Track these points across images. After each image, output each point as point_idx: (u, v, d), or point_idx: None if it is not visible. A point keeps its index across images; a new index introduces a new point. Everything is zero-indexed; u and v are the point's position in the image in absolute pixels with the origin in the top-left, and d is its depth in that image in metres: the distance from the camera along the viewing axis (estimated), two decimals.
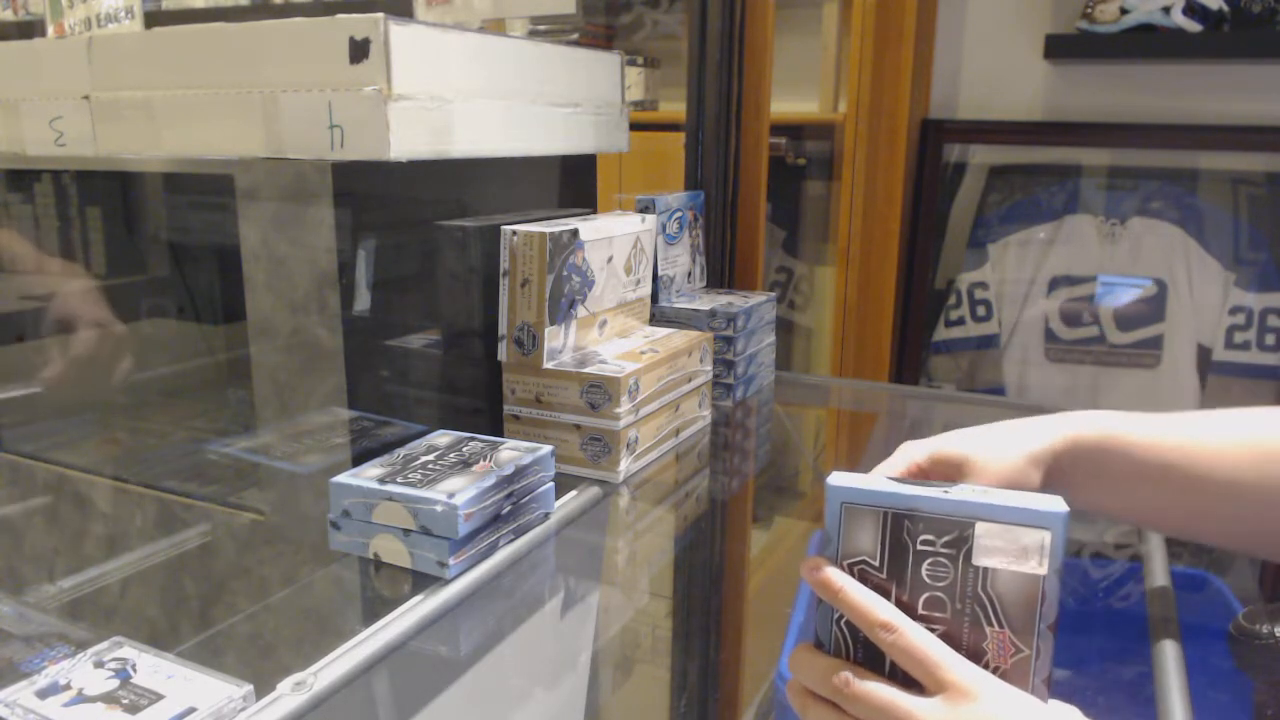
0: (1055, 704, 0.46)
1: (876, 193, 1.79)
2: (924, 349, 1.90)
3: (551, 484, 0.79)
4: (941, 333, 1.87)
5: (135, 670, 0.54)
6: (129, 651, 0.56)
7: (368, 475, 0.71)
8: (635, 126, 1.11)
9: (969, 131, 1.88)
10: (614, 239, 0.95)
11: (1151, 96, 1.76)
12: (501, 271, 0.86)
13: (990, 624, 0.46)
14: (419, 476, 0.71)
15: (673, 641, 0.93)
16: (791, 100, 2.06)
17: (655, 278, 1.10)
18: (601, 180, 1.12)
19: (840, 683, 0.47)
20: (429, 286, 0.89)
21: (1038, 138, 1.83)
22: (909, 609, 0.47)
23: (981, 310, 1.83)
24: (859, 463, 0.59)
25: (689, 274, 1.20)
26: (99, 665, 0.54)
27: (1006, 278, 1.82)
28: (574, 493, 0.84)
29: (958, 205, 1.90)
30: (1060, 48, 1.73)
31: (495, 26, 0.99)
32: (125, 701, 0.51)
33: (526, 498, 0.75)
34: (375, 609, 0.64)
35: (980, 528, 0.46)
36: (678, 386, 0.96)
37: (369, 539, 0.70)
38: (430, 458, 0.75)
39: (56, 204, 1.00)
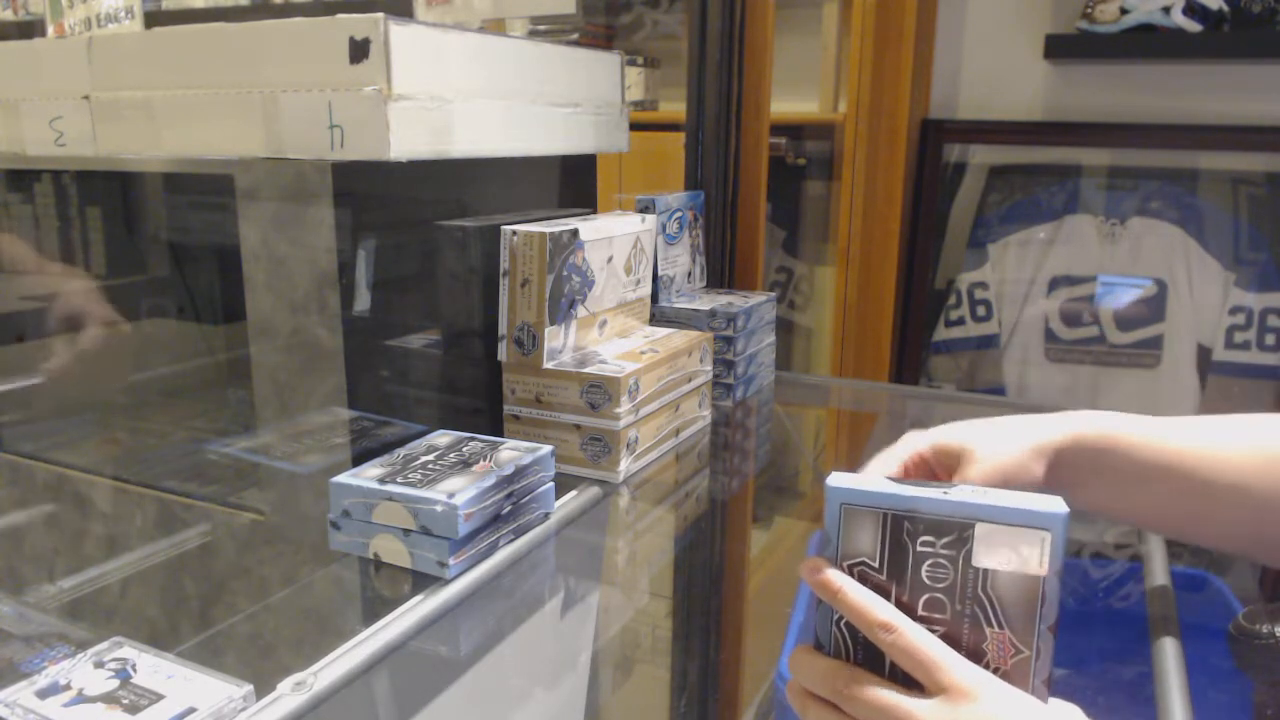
0: (1056, 703, 0.46)
1: (876, 193, 1.79)
2: (924, 349, 1.90)
3: (551, 484, 0.79)
4: (941, 333, 1.87)
5: (135, 670, 0.54)
6: (129, 651, 0.56)
7: (368, 475, 0.71)
8: (635, 126, 1.11)
9: (969, 131, 1.88)
10: (614, 239, 0.95)
11: (1151, 96, 1.76)
12: (501, 271, 0.86)
13: (990, 625, 0.46)
14: (419, 476, 0.71)
15: (673, 641, 0.93)
16: (791, 100, 2.06)
17: (655, 278, 1.10)
18: (601, 180, 1.12)
19: (840, 684, 0.47)
20: (429, 286, 0.89)
21: (1038, 138, 1.83)
22: (909, 610, 0.47)
23: (981, 310, 1.83)
24: (859, 463, 0.59)
25: (689, 274, 1.20)
26: (99, 665, 0.54)
27: (1006, 278, 1.82)
28: (574, 493, 0.84)
29: (958, 205, 1.90)
30: (1060, 48, 1.73)
31: (495, 26, 0.99)
32: (125, 701, 0.51)
33: (526, 498, 0.75)
34: (375, 609, 0.64)
35: (980, 529, 0.46)
36: (678, 386, 0.96)
37: (369, 539, 0.70)
38: (430, 458, 0.75)
39: (56, 204, 1.00)
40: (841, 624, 0.48)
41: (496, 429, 0.90)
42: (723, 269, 1.32)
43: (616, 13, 2.21)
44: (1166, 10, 1.60)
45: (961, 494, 0.46)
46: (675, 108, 1.63)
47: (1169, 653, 0.64)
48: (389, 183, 0.81)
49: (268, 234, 0.79)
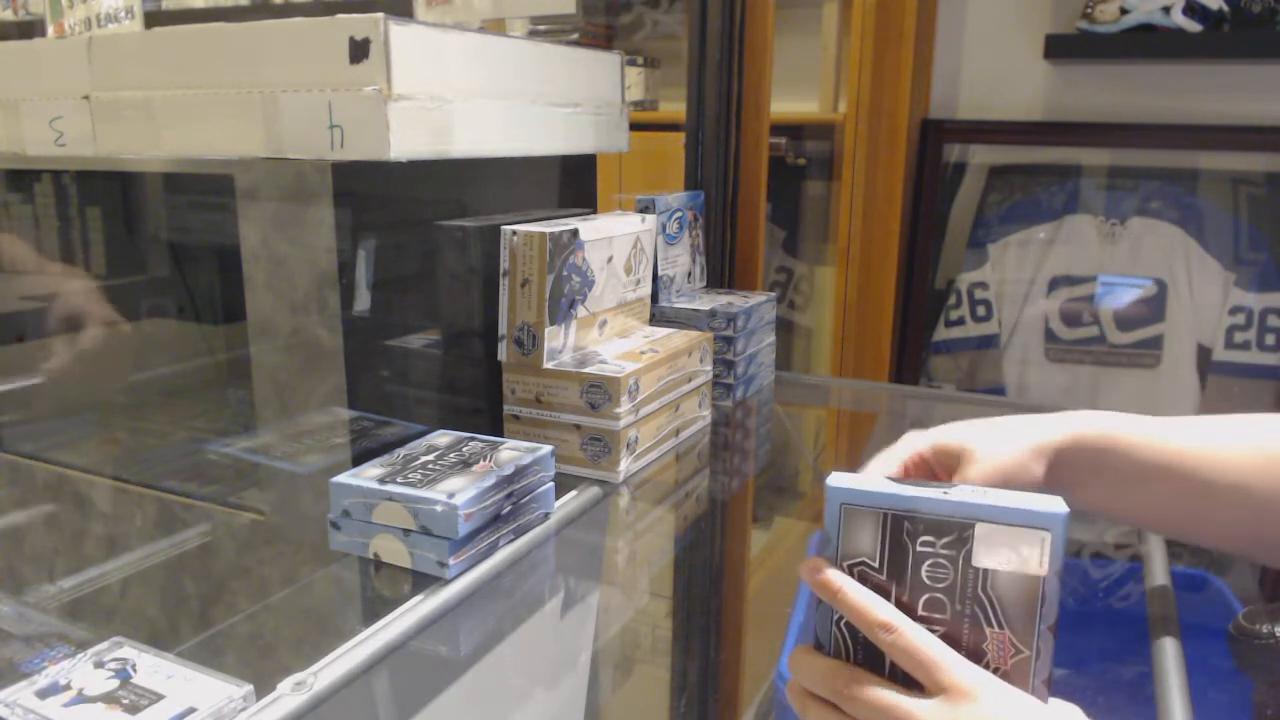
0: (1056, 702, 0.46)
1: (876, 193, 1.79)
2: (924, 349, 1.90)
3: (551, 484, 0.79)
4: (941, 333, 1.87)
5: (135, 670, 0.54)
6: (129, 651, 0.56)
7: (368, 475, 0.71)
8: (635, 126, 1.11)
9: (969, 131, 1.88)
10: (614, 239, 0.95)
11: (1151, 96, 1.76)
12: (501, 271, 0.86)
13: (990, 625, 0.46)
14: (419, 476, 0.71)
15: (673, 641, 0.93)
16: (791, 100, 2.06)
17: (655, 278, 1.10)
18: (601, 180, 1.12)
19: (840, 684, 0.47)
20: (429, 286, 0.89)
21: (1038, 138, 1.83)
22: (909, 610, 0.47)
23: (981, 310, 1.83)
24: (859, 463, 0.59)
25: (689, 274, 1.20)
26: (99, 665, 0.54)
27: (1006, 278, 1.82)
28: (574, 493, 0.84)
29: (958, 205, 1.90)
30: (1060, 48, 1.73)
31: (495, 26, 0.99)
32: (125, 701, 0.51)
33: (526, 498, 0.75)
34: (375, 609, 0.64)
35: (980, 529, 0.46)
36: (678, 386, 0.96)
37: (369, 539, 0.70)
38: (430, 458, 0.75)
39: (56, 204, 1.00)
40: (841, 624, 0.48)
41: (496, 429, 0.90)
42: (723, 269, 1.32)
43: (616, 13, 2.21)
44: (1166, 10, 1.60)
45: (961, 494, 0.46)
46: (675, 108, 1.63)
47: (1169, 653, 0.64)
48: (389, 183, 0.81)
49: (268, 234, 0.79)
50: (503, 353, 0.88)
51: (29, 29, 1.07)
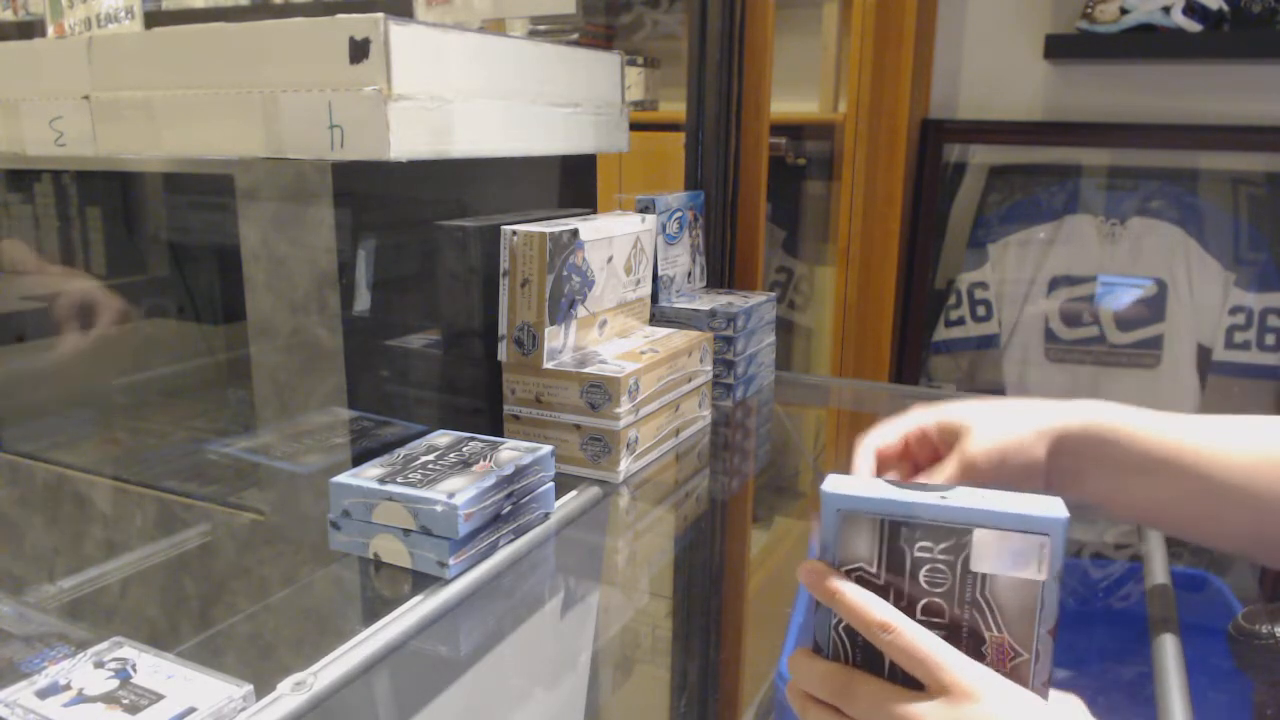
0: (1057, 695, 0.46)
1: (876, 193, 1.79)
2: (924, 349, 1.90)
3: (551, 484, 0.79)
4: (941, 333, 1.87)
5: (135, 670, 0.54)
6: (129, 651, 0.56)
7: (368, 475, 0.71)
8: (635, 126, 1.11)
9: (969, 131, 1.88)
10: (614, 239, 0.95)
11: (1151, 96, 1.76)
12: (501, 271, 0.86)
13: (989, 629, 0.46)
14: (419, 476, 0.71)
15: (673, 641, 0.93)
16: (791, 100, 2.06)
17: (655, 278, 1.10)
18: (601, 180, 1.12)
19: (839, 685, 0.47)
20: (429, 286, 0.89)
21: (1038, 138, 1.83)
22: (907, 614, 0.47)
23: (981, 310, 1.83)
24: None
25: (689, 274, 1.20)
26: (99, 665, 0.54)
27: (1006, 278, 1.82)
28: (574, 493, 0.84)
29: (958, 205, 1.90)
30: (1060, 48, 1.73)
31: (495, 26, 0.99)
32: (125, 701, 0.51)
33: (526, 498, 0.75)
34: (375, 609, 0.64)
35: (978, 534, 0.45)
36: (678, 386, 0.96)
37: (369, 539, 0.70)
38: (430, 458, 0.75)
39: (56, 204, 1.00)
40: (840, 628, 0.48)
41: (496, 429, 0.90)
42: (723, 269, 1.32)
43: (616, 13, 2.21)
44: (1166, 10, 1.60)
45: (959, 498, 0.46)
46: (675, 108, 1.63)
47: (1169, 653, 0.64)
48: (389, 183, 0.81)
49: (268, 234, 0.79)
50: (503, 353, 0.88)
51: (29, 29, 1.07)
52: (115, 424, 1.01)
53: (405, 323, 0.87)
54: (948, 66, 1.89)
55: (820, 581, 0.48)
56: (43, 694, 0.52)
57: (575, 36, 1.98)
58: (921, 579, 0.46)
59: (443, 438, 0.81)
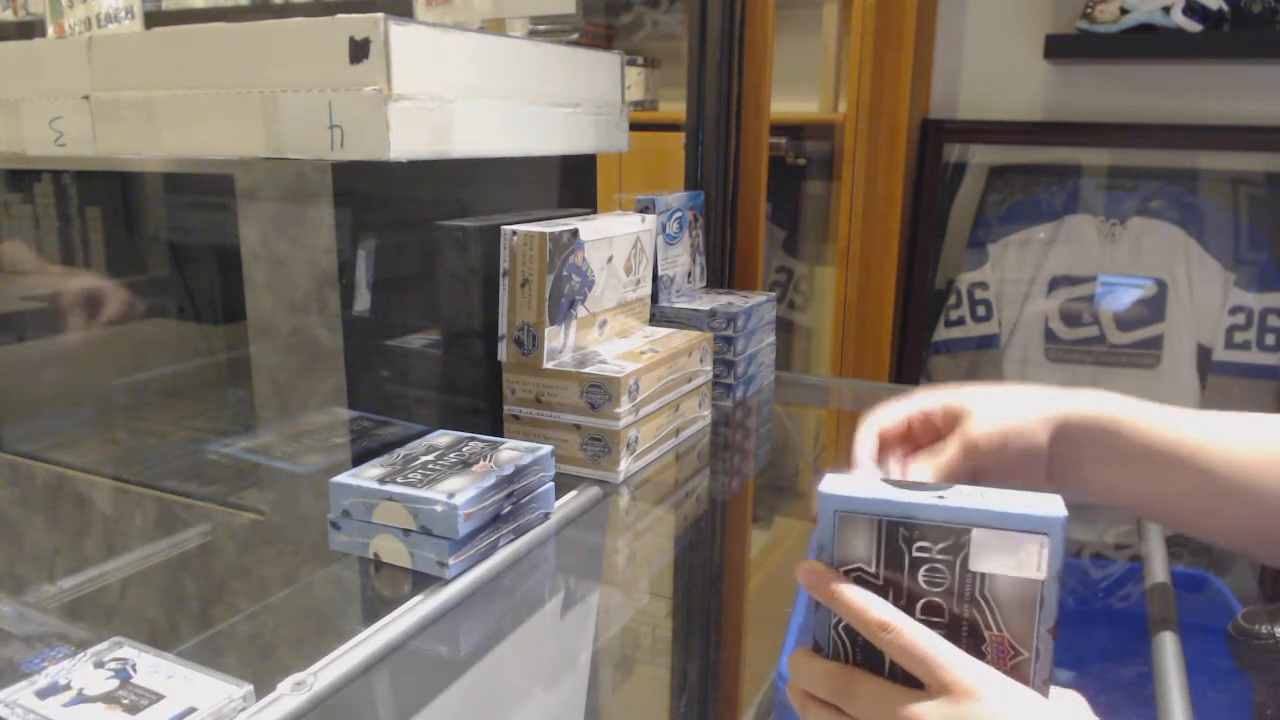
0: (1058, 692, 0.46)
1: (876, 193, 1.79)
2: (924, 349, 1.90)
3: (551, 484, 0.79)
4: (941, 333, 1.87)
5: (135, 670, 0.54)
6: (129, 651, 0.56)
7: (368, 475, 0.71)
8: (635, 126, 1.11)
9: (969, 131, 1.88)
10: (614, 239, 0.95)
11: (1151, 96, 1.76)
12: (501, 271, 0.86)
13: (989, 628, 0.46)
14: (419, 476, 0.71)
15: (673, 641, 0.93)
16: (791, 100, 2.06)
17: (655, 278, 1.10)
18: (601, 180, 1.12)
19: (839, 685, 0.47)
20: (429, 286, 0.89)
21: (1038, 138, 1.83)
22: (907, 614, 0.47)
23: (981, 310, 1.83)
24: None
25: (689, 274, 1.20)
26: (99, 665, 0.54)
27: (1006, 278, 1.82)
28: (574, 493, 0.84)
29: (958, 205, 1.90)
30: (1060, 48, 1.73)
31: (495, 26, 0.99)
32: (125, 701, 0.51)
33: (526, 498, 0.75)
34: (375, 609, 0.64)
35: (976, 534, 0.45)
36: (678, 386, 0.96)
37: (369, 539, 0.70)
38: (430, 458, 0.75)
39: (56, 204, 1.00)
40: (840, 628, 0.48)
41: (496, 429, 0.90)
42: (723, 269, 1.32)
43: (616, 13, 2.21)
44: (1166, 10, 1.60)
45: (958, 497, 0.46)
46: (675, 108, 1.63)
47: (1169, 653, 0.64)
48: (389, 183, 0.81)
49: (268, 234, 0.79)
50: (503, 353, 0.88)
51: (29, 29, 1.07)
52: (115, 424, 1.01)
53: (405, 323, 0.87)
54: (948, 66, 1.89)
55: (819, 581, 0.48)
56: (43, 694, 0.52)
57: (575, 36, 1.98)
58: (920, 579, 0.46)
59: (443, 438, 0.81)
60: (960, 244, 1.88)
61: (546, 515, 0.78)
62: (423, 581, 0.67)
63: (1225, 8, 1.59)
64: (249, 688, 0.53)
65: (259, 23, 0.74)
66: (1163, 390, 1.71)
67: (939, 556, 0.46)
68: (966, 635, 0.46)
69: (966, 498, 0.46)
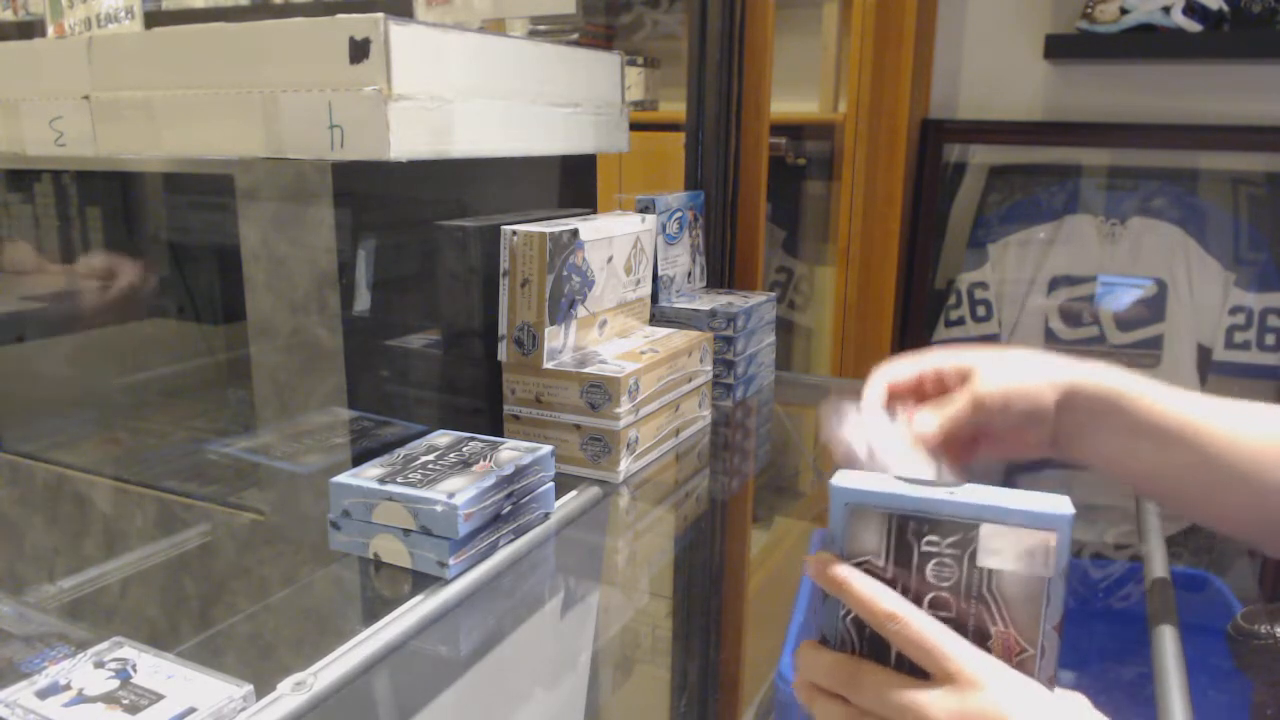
0: (1061, 692, 0.46)
1: (876, 193, 1.79)
2: (924, 349, 1.90)
3: (551, 484, 0.79)
4: (941, 333, 1.87)
5: (135, 670, 0.54)
6: (129, 651, 0.56)
7: (368, 475, 0.71)
8: (635, 126, 1.11)
9: (969, 131, 1.88)
10: (614, 239, 0.95)
11: (1151, 96, 1.76)
12: (501, 271, 0.86)
13: (995, 624, 0.46)
14: (419, 476, 0.71)
15: (673, 641, 0.93)
16: (791, 100, 2.06)
17: (655, 278, 1.10)
18: (601, 180, 1.12)
19: (846, 675, 0.47)
20: (429, 286, 0.89)
21: (1038, 138, 1.83)
22: None
23: (981, 310, 1.83)
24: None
25: (689, 274, 1.20)
26: (99, 665, 0.54)
27: (1006, 278, 1.82)
28: (574, 493, 0.84)
29: (958, 205, 1.90)
30: (1060, 48, 1.73)
31: (495, 26, 0.99)
32: (125, 701, 0.51)
33: (526, 498, 0.75)
34: (375, 609, 0.64)
35: (985, 529, 0.45)
36: (678, 386, 0.96)
37: (369, 539, 0.70)
38: (430, 458, 0.75)
39: (56, 204, 1.00)
40: (848, 620, 0.48)
41: (496, 429, 0.90)
42: (723, 269, 1.32)
43: (616, 13, 2.21)
44: (1166, 10, 1.60)
45: (967, 494, 0.46)
46: (675, 108, 1.63)
47: (1169, 653, 0.64)
48: (389, 183, 0.81)
49: (268, 234, 0.79)
50: (503, 353, 0.88)
51: (29, 29, 1.07)
52: (115, 424, 1.01)
53: (405, 323, 0.87)
54: (948, 66, 1.89)
55: (828, 572, 0.48)
56: (43, 694, 0.52)
57: (575, 36, 1.98)
58: (928, 573, 0.47)
59: (443, 438, 0.81)
60: (960, 244, 1.88)
61: (546, 515, 0.78)
62: (423, 581, 0.67)
63: (1225, 8, 1.59)
64: (249, 688, 0.53)
65: (259, 23, 0.74)
66: None
67: (947, 551, 0.46)
68: (973, 631, 0.46)
69: (976, 494, 0.46)
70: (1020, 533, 0.45)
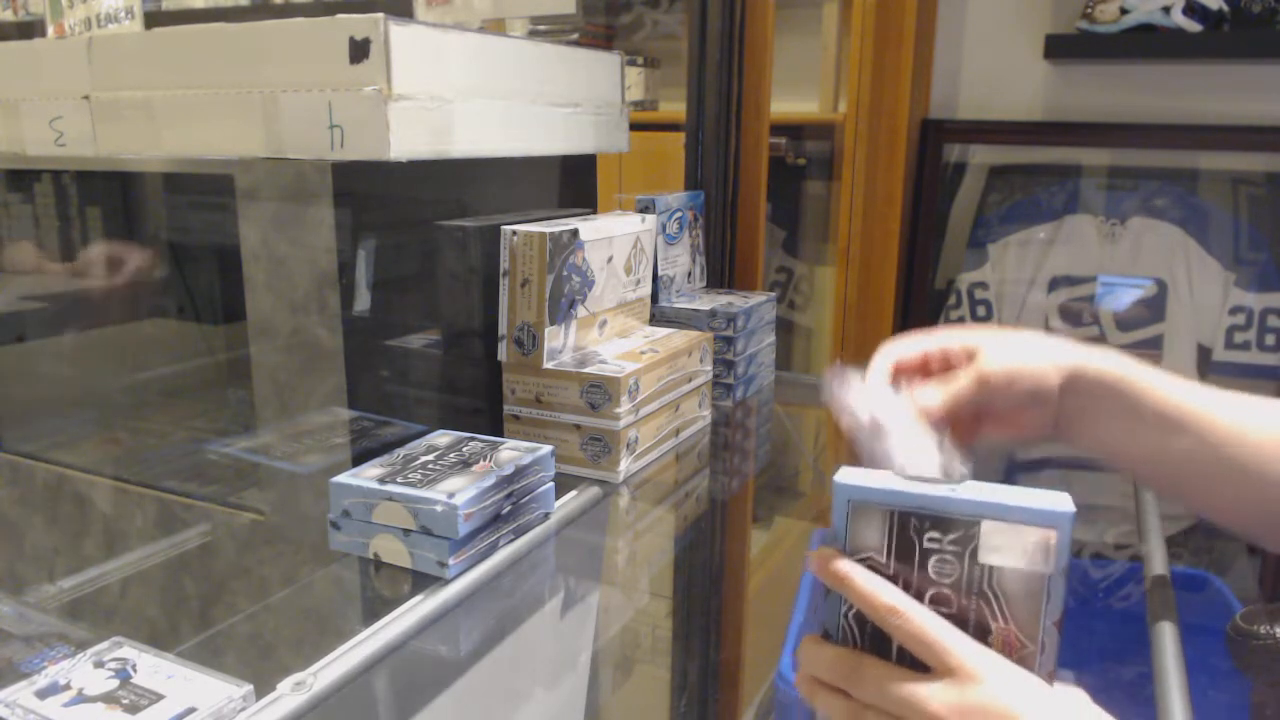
0: (1061, 687, 0.46)
1: (876, 193, 1.79)
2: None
3: (551, 484, 0.79)
4: None
5: (135, 670, 0.54)
6: (129, 651, 0.56)
7: (368, 475, 0.71)
8: (635, 126, 1.11)
9: (969, 131, 1.88)
10: (614, 239, 0.95)
11: (1151, 96, 1.76)
12: (501, 271, 0.86)
13: (996, 620, 0.46)
14: (419, 476, 0.71)
15: (673, 641, 0.93)
16: (791, 100, 2.06)
17: (655, 278, 1.10)
18: (601, 180, 1.12)
19: (847, 669, 0.48)
20: (429, 286, 0.89)
21: (1038, 138, 1.83)
22: None
23: (981, 310, 1.83)
24: (857, 463, 0.59)
25: (689, 274, 1.20)
26: (99, 665, 0.54)
27: (1006, 278, 1.82)
28: (574, 493, 0.84)
29: (958, 205, 1.90)
30: (1060, 48, 1.73)
31: (495, 26, 0.99)
32: (125, 701, 0.51)
33: (526, 498, 0.75)
34: (375, 609, 0.64)
35: (986, 526, 0.46)
36: (678, 386, 0.96)
37: (369, 539, 0.70)
38: (430, 458, 0.75)
39: (56, 204, 1.00)
40: (850, 615, 0.49)
41: (496, 429, 0.90)
42: (723, 269, 1.32)
43: (616, 13, 2.21)
44: (1166, 10, 1.60)
45: (969, 491, 0.47)
46: (675, 108, 1.63)
47: (1169, 653, 0.64)
48: (389, 183, 0.81)
49: (268, 234, 0.79)
50: (503, 353, 0.88)
51: (29, 29, 1.07)
52: (116, 424, 1.01)
53: (405, 323, 0.87)
54: (948, 66, 1.89)
55: (830, 567, 0.48)
56: (43, 694, 0.52)
57: (575, 36, 1.98)
58: (930, 569, 0.47)
59: (443, 438, 0.81)
60: (960, 244, 1.88)
61: (546, 515, 0.78)
62: (423, 581, 0.67)
63: (1225, 8, 1.59)
64: (249, 688, 0.53)
65: (259, 23, 0.74)
66: None
67: (949, 548, 0.46)
68: (973, 627, 0.46)
69: (978, 491, 0.47)
70: (1021, 529, 0.45)
